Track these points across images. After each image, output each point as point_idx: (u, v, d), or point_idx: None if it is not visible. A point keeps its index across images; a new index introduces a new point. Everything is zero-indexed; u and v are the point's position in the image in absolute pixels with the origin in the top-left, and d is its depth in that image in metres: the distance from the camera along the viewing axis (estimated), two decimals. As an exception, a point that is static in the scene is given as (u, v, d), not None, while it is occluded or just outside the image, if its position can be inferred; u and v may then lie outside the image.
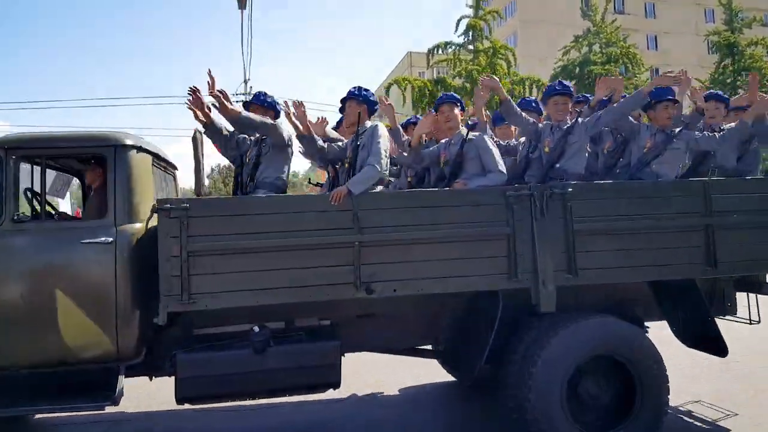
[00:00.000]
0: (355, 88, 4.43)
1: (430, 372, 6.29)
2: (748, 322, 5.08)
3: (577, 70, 26.29)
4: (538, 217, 4.11)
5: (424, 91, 23.45)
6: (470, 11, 26.60)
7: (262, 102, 4.53)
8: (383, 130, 4.27)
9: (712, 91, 5.36)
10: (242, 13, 19.75)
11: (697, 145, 4.67)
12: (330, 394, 5.21)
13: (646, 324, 4.93)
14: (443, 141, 4.70)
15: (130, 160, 3.97)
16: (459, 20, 26.60)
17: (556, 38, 30.80)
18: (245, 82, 23.05)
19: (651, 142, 4.61)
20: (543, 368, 4.05)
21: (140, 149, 4.08)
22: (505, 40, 31.93)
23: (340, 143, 4.64)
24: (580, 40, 27.45)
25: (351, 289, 3.91)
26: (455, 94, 4.71)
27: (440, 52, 26.55)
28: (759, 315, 5.04)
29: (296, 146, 4.66)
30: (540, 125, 4.77)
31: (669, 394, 4.25)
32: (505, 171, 4.40)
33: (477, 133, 4.56)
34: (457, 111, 4.63)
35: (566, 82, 4.65)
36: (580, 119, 4.59)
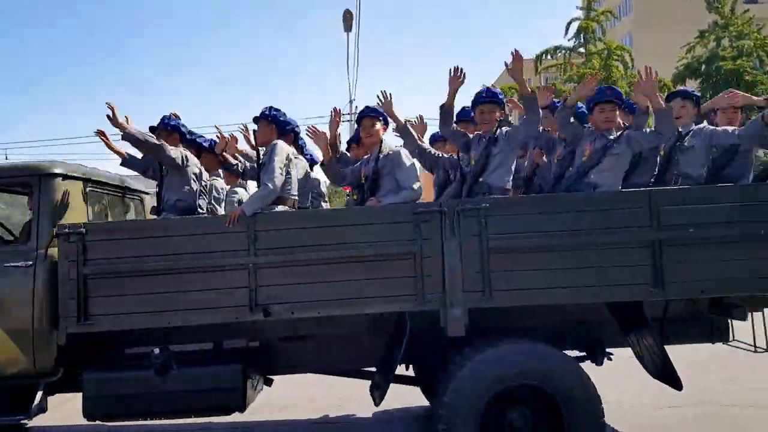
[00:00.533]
0: (266, 108, 4.41)
1: (414, 394, 6.00)
2: (753, 348, 4.41)
3: (703, 67, 24.12)
4: (447, 235, 3.85)
5: (532, 99, 22.68)
6: (580, 13, 25.56)
7: (165, 125, 4.64)
8: (280, 148, 4.21)
9: (680, 87, 4.67)
10: (347, 35, 20.20)
11: (639, 144, 4.08)
12: (306, 412, 5.23)
13: (608, 350, 4.46)
14: (365, 157, 4.52)
15: (54, 188, 4.19)
16: (569, 23, 25.68)
17: (676, 35, 28.35)
18: (351, 102, 23.60)
19: (590, 148, 4.13)
20: (452, 398, 3.78)
21: (67, 177, 4.30)
22: (620, 41, 30.07)
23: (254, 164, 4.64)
24: (706, 35, 25.15)
25: (246, 311, 3.87)
26: (376, 107, 4.49)
27: (549, 57, 25.68)
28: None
29: None
30: (470, 137, 4.44)
31: (603, 416, 3.80)
32: (417, 188, 4.17)
33: (395, 149, 4.36)
34: (378, 125, 4.42)
35: (495, 89, 4.25)
36: (503, 128, 4.22)
